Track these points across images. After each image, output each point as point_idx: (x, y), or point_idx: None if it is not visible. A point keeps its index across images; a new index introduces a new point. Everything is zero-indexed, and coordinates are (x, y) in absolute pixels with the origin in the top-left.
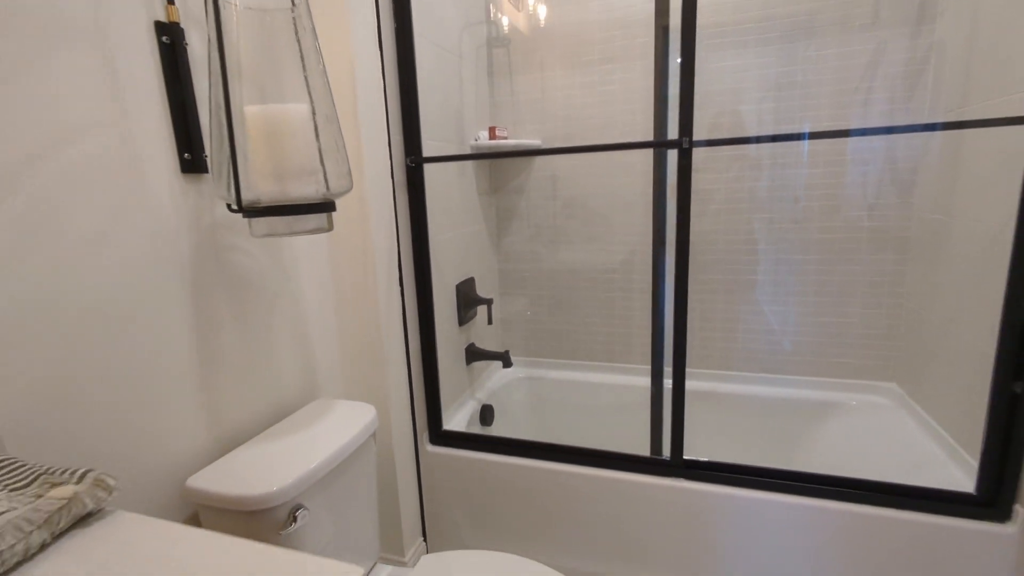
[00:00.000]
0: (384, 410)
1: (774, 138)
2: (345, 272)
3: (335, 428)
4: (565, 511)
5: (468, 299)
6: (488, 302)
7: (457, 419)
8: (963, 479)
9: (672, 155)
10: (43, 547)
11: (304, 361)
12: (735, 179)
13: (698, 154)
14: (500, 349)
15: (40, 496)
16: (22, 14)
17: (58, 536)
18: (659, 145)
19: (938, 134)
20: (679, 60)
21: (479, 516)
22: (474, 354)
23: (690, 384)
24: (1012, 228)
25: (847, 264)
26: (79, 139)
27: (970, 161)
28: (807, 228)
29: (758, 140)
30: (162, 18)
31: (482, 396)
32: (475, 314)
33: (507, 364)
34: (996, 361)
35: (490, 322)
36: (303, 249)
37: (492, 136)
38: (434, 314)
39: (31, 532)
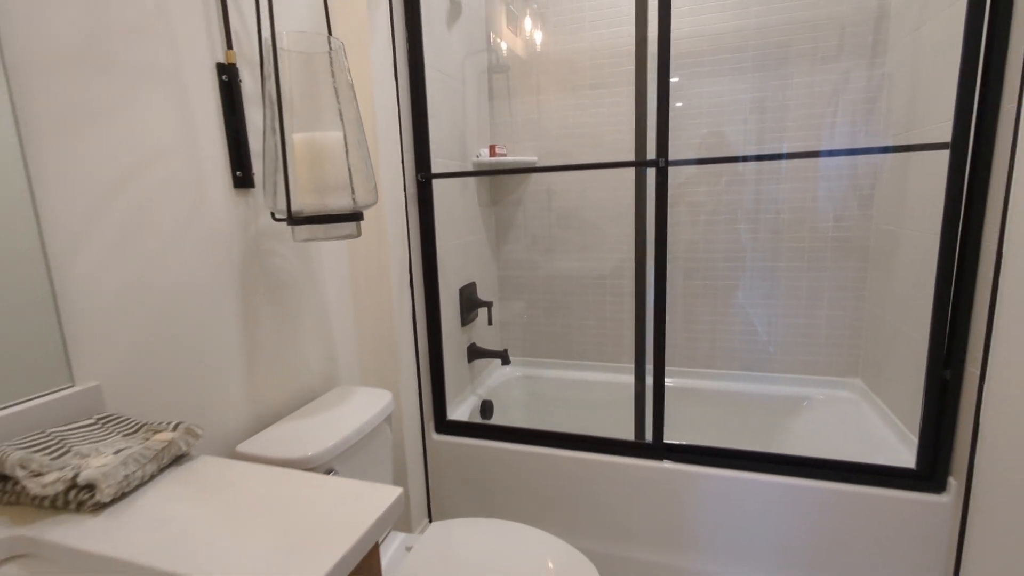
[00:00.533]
0: (395, 400)
1: (745, 158)
2: (362, 275)
3: (358, 408)
4: (558, 492)
5: (470, 302)
6: (488, 304)
7: (459, 413)
8: (910, 458)
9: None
10: (152, 477)
11: (327, 352)
12: (719, 192)
13: (688, 170)
14: (499, 348)
15: (147, 439)
16: (122, 62)
17: (162, 469)
18: (638, 164)
19: (891, 154)
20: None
21: (480, 498)
22: (475, 352)
23: (675, 381)
24: (938, 237)
25: (815, 271)
26: (162, 159)
27: (914, 179)
28: (780, 238)
29: (731, 160)
30: (222, 60)
31: (482, 392)
32: (476, 315)
33: (506, 362)
34: (928, 352)
35: (490, 323)
36: (327, 255)
37: (492, 153)
38: (440, 314)
39: (145, 464)
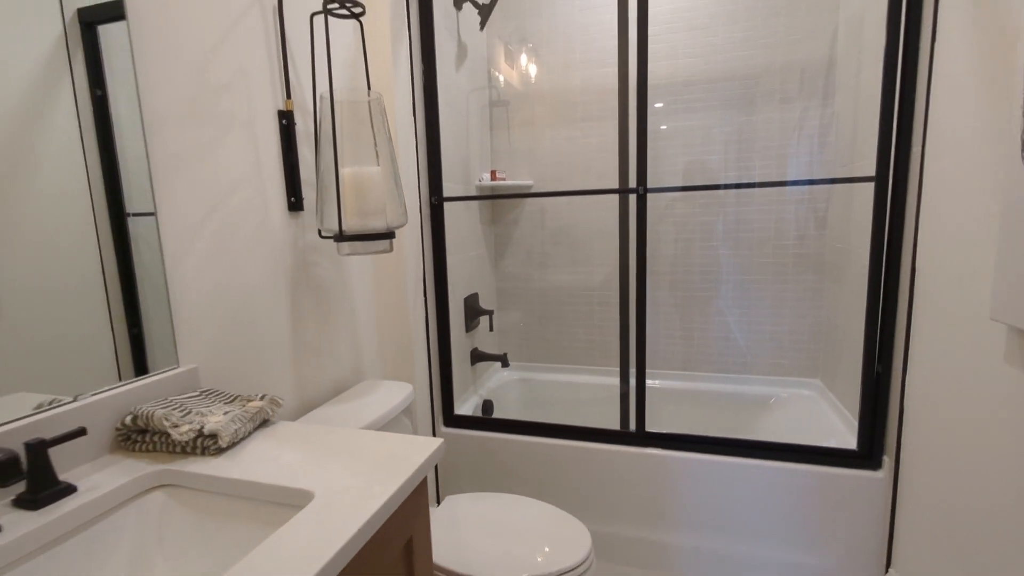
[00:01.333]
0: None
1: (715, 187)
2: (383, 285)
3: (385, 396)
4: (552, 477)
5: (473, 310)
6: (489, 313)
7: (463, 410)
8: (854, 442)
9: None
10: (249, 434)
11: (355, 351)
12: (697, 214)
13: (670, 193)
14: (499, 352)
15: (243, 406)
16: (213, 114)
17: (255, 430)
18: (621, 192)
19: (838, 183)
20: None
21: (483, 484)
22: (477, 356)
23: (658, 383)
24: (868, 252)
25: (779, 283)
26: (239, 188)
27: (857, 205)
28: (750, 254)
29: (703, 188)
30: (282, 108)
31: (484, 392)
32: (478, 323)
33: (505, 364)
34: (864, 351)
35: (491, 329)
36: (355, 267)
37: (493, 178)
38: (449, 321)
39: (246, 423)
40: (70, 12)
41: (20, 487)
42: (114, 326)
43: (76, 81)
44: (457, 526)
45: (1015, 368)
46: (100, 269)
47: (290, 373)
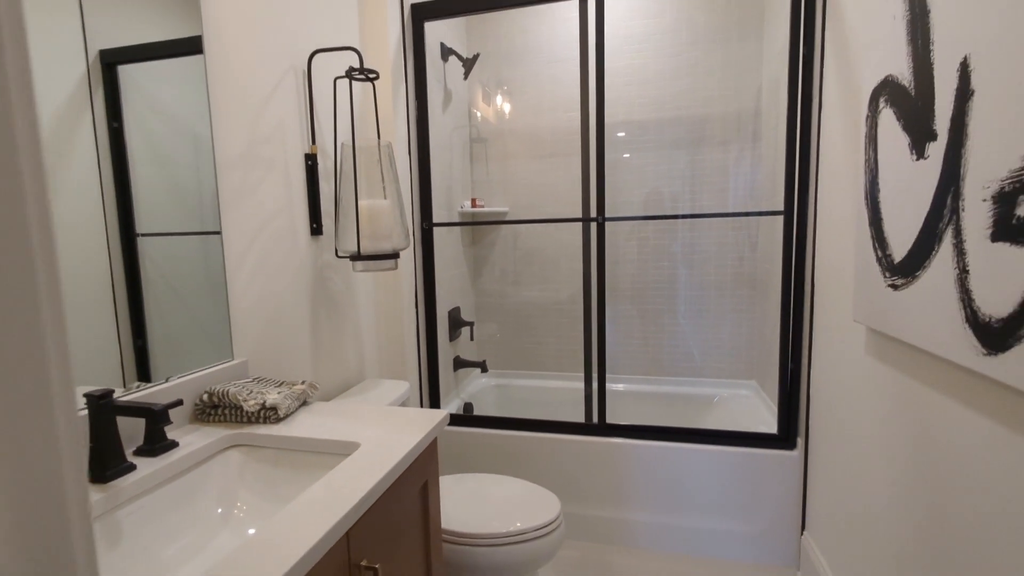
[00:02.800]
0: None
1: (664, 217)
2: (383, 299)
3: (387, 392)
4: (526, 465)
5: (455, 321)
6: (470, 324)
7: (447, 410)
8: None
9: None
10: (296, 409)
11: (359, 353)
12: (652, 238)
13: (636, 220)
14: (479, 359)
15: (291, 388)
16: (260, 158)
17: (299, 407)
18: (583, 220)
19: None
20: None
21: (465, 472)
22: (459, 363)
23: (619, 387)
24: (780, 271)
25: (720, 298)
26: (276, 217)
27: (776, 231)
28: (695, 272)
29: (654, 218)
30: (308, 152)
31: (464, 396)
32: (460, 333)
33: (484, 370)
34: (780, 351)
35: (472, 339)
36: (360, 282)
37: (474, 205)
38: (437, 330)
39: (294, 400)
40: (93, 53)
41: (139, 440)
42: (120, 337)
43: (96, 114)
44: (444, 500)
45: (871, 358)
46: (110, 285)
47: (310, 369)
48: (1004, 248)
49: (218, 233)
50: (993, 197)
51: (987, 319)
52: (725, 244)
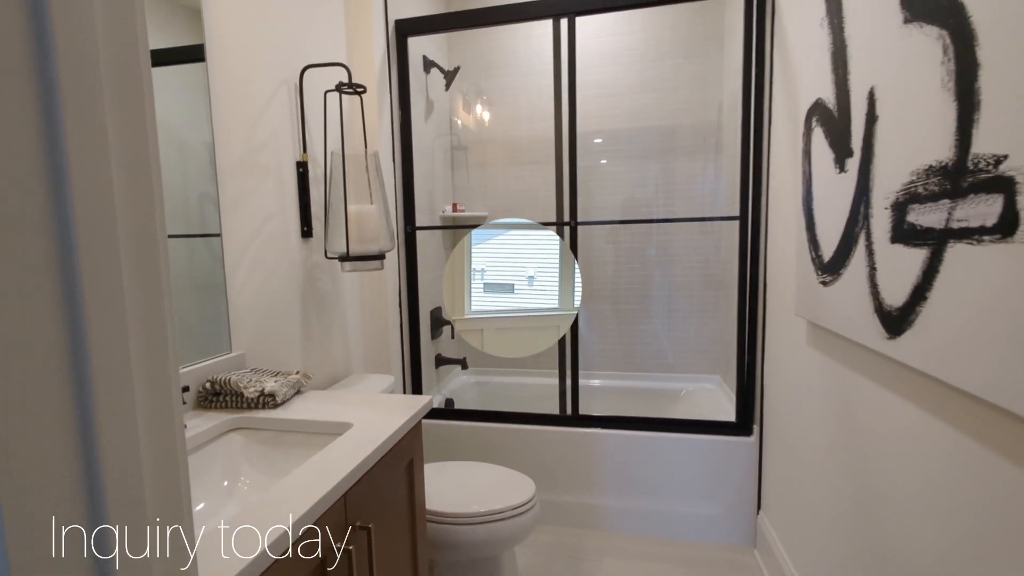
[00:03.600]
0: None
1: (633, 221)
2: (369, 298)
3: (373, 385)
4: (504, 455)
5: (437, 320)
6: (451, 323)
7: None
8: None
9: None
10: (291, 397)
11: (346, 349)
12: (626, 241)
13: (614, 224)
14: (459, 357)
15: (286, 377)
16: (256, 164)
17: (294, 395)
18: (557, 224)
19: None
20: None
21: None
22: (441, 360)
23: (595, 382)
24: (737, 275)
25: (688, 298)
26: (270, 221)
27: (736, 235)
28: (666, 273)
29: (623, 222)
30: (300, 159)
31: (446, 392)
32: (441, 332)
33: (464, 367)
34: (737, 345)
35: (452, 337)
36: (348, 283)
37: (454, 209)
38: (420, 328)
39: (290, 388)
40: None
41: None
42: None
43: None
44: (428, 485)
45: (810, 348)
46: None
47: (301, 362)
48: (899, 249)
49: (215, 236)
50: (892, 206)
51: (889, 308)
52: (693, 248)
